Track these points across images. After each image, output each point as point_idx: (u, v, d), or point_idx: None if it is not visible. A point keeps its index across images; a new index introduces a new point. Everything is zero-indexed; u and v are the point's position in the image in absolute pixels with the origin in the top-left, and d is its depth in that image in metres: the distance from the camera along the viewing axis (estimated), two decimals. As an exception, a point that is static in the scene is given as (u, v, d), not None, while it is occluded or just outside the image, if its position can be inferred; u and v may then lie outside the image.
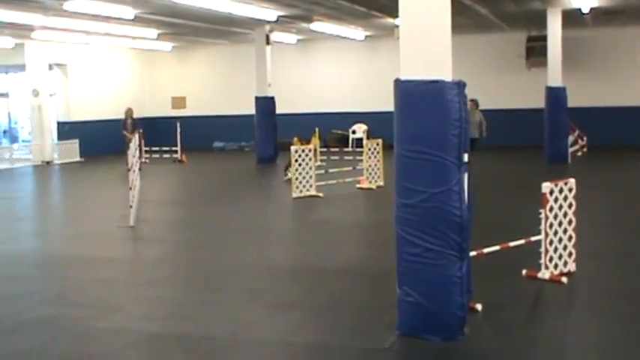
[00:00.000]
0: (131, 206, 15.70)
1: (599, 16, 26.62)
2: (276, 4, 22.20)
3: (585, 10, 24.50)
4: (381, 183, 20.44)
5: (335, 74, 34.63)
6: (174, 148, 31.06)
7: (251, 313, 9.56)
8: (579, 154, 27.41)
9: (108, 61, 34.72)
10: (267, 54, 28.94)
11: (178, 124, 31.01)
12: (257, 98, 29.03)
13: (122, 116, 28.14)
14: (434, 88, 7.93)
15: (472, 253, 8.88)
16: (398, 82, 8.16)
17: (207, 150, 34.42)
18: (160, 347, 8.44)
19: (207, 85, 36.27)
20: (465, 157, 8.01)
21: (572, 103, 26.65)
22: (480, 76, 30.96)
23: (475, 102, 23.24)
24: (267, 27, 28.02)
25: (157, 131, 33.46)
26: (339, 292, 10.41)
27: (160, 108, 36.41)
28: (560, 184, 10.36)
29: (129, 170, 16.09)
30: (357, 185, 20.74)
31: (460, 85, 8.01)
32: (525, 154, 27.16)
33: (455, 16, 8.44)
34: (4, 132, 37.30)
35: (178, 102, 35.93)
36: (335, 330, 8.77)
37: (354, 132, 33.20)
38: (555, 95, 25.82)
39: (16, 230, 16.62)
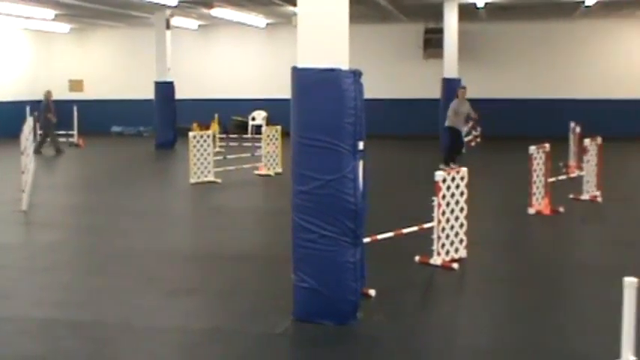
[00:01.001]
0: (24, 190, 15.35)
1: (494, 10, 27.15)
2: (177, -12, 21.99)
3: (480, 5, 24.92)
4: (280, 170, 20.46)
5: (236, 61, 34.40)
6: (70, 132, 30.42)
7: (147, 299, 9.47)
8: (473, 143, 27.88)
9: (1, 43, 33.75)
10: (167, 38, 28.58)
11: (75, 108, 30.39)
12: (156, 83, 28.66)
13: (18, 98, 27.50)
14: (330, 76, 7.95)
15: (366, 240, 8.98)
16: (295, 70, 8.16)
17: (105, 134, 33.84)
18: (52, 334, 8.28)
19: (106, 68, 35.59)
20: (360, 145, 8.06)
21: (467, 94, 27.12)
22: (379, 65, 31.29)
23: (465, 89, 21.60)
24: (168, 11, 27.70)
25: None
26: (236, 278, 10.41)
27: (56, 91, 35.67)
28: (453, 172, 10.54)
29: (22, 154, 15.74)
30: (256, 172, 20.71)
31: (356, 74, 8.05)
32: (422, 144, 27.46)
33: (354, 5, 8.49)
34: None
35: (76, 85, 35.20)
36: (232, 315, 8.76)
37: (253, 119, 33.11)
38: (451, 86, 26.17)
39: None
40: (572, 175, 18.46)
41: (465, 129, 23.02)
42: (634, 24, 31.31)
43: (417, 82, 31.57)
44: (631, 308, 4.49)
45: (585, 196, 16.01)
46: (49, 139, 26.82)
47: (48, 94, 27.60)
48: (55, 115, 26.85)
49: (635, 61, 31.51)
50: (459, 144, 21.32)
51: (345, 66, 8.04)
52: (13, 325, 8.54)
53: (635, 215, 14.91)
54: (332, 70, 7.95)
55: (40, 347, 7.93)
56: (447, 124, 20.78)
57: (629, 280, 4.45)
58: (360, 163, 8.12)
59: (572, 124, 21.27)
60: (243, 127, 33.02)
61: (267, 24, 31.29)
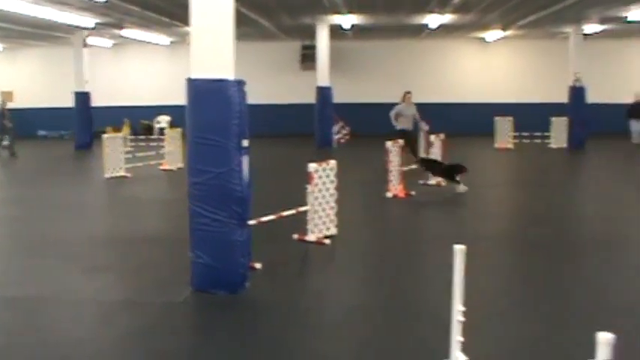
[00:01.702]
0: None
1: (358, 31, 27.43)
2: (92, 13, 21.34)
3: (346, 27, 25.09)
4: (181, 165, 20.15)
5: (144, 73, 33.83)
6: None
7: (69, 276, 9.18)
8: (342, 140, 28.15)
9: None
10: (84, 55, 27.90)
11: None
12: (75, 93, 27.93)
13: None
14: (219, 85, 7.90)
15: (252, 222, 8.92)
16: (189, 81, 8.06)
17: (33, 138, 32.81)
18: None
19: (33, 81, 34.50)
20: (245, 143, 8.02)
21: (337, 99, 27.40)
22: (263, 76, 31.34)
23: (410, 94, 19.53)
24: (85, 32, 26.98)
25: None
26: (145, 257, 10.20)
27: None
28: (324, 164, 10.55)
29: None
30: (160, 167, 20.41)
31: (240, 83, 8.03)
32: (299, 141, 27.56)
33: (242, 26, 8.42)
34: None
35: (6, 95, 33.98)
36: (141, 288, 8.58)
37: (158, 122, 32.60)
38: (323, 93, 26.44)
39: None
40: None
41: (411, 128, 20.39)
42: (466, 43, 32.26)
43: (295, 90, 31.63)
44: (459, 269, 4.57)
45: (432, 182, 16.31)
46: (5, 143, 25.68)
47: (3, 102, 26.53)
48: (10, 121, 25.70)
49: (468, 72, 32.51)
50: (415, 142, 19.11)
51: (231, 77, 7.99)
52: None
53: (469, 194, 15.27)
54: (220, 80, 7.91)
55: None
56: (396, 127, 18.92)
57: (458, 247, 4.52)
58: (245, 158, 8.06)
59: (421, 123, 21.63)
60: (149, 130, 32.51)
61: (171, 42, 30.88)
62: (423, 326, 6.96)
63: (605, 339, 2.97)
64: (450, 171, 15.54)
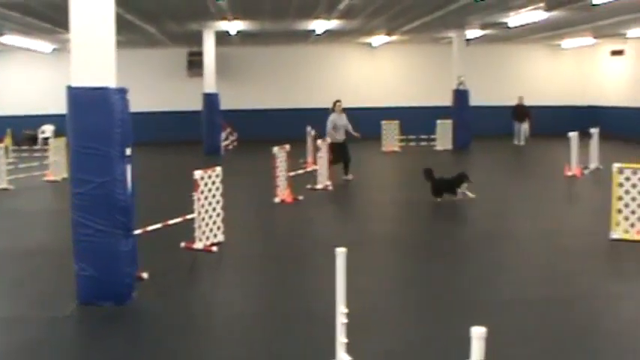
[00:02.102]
0: None
1: (245, 37, 27.44)
2: (-33, 20, 20.63)
3: (233, 32, 25.05)
4: (66, 175, 19.59)
5: (27, 81, 32.73)
6: None
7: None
8: (230, 147, 28.10)
9: None
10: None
11: None
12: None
13: None
14: (100, 94, 7.84)
15: (137, 231, 8.84)
16: (69, 89, 7.94)
17: None
18: None
19: None
20: (128, 151, 7.95)
21: (225, 106, 27.31)
22: (150, 83, 31.01)
23: (340, 102, 18.68)
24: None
25: None
26: (27, 271, 9.93)
27: None
28: (209, 171, 10.54)
29: None
30: (45, 178, 19.85)
31: (122, 91, 7.96)
32: (187, 149, 27.31)
33: (127, 32, 8.35)
34: None
35: None
36: (24, 303, 8.38)
37: (42, 132, 31.65)
38: (210, 100, 26.34)
39: None
40: (309, 169, 19.03)
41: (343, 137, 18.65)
42: (353, 48, 32.77)
43: (183, 97, 31.33)
44: (341, 271, 4.68)
45: (320, 186, 16.51)
46: None
47: None
48: None
49: (355, 77, 33.01)
50: (344, 156, 18.06)
51: (112, 84, 7.92)
52: None
53: (356, 199, 15.57)
54: (102, 88, 7.83)
55: None
56: (328, 140, 17.51)
57: (340, 250, 4.63)
58: (129, 167, 7.99)
59: (309, 128, 21.90)
60: (34, 140, 31.52)
61: (53, 49, 30.06)
62: (311, 328, 7.07)
63: (478, 333, 3.11)
64: (457, 183, 15.16)
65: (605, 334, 6.95)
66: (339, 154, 17.69)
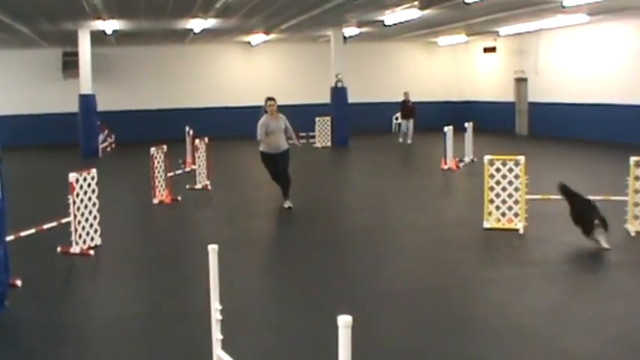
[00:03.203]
0: None
1: (122, 37, 26.97)
2: None
3: (109, 32, 24.55)
4: None
5: None
6: None
7: None
8: (109, 149, 27.59)
9: None
10: None
11: None
12: None
13: None
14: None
15: (9, 237, 8.58)
16: None
17: None
18: None
19: None
20: (-3, 155, 7.71)
21: (102, 107, 26.74)
22: (23, 85, 30.13)
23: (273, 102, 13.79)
24: None
25: None
26: None
27: None
28: (85, 173, 10.33)
29: None
30: None
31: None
32: (63, 152, 26.58)
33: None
34: None
35: None
36: None
37: None
38: (86, 101, 25.71)
39: None
40: (189, 169, 18.92)
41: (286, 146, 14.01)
42: (232, 47, 32.79)
43: (58, 99, 30.45)
44: (214, 268, 4.72)
45: (199, 185, 16.44)
46: None
47: None
48: None
49: (234, 76, 33.02)
50: (279, 174, 13.78)
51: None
52: None
53: (235, 198, 15.60)
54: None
55: None
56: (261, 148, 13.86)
57: (211, 247, 4.67)
58: (-2, 171, 7.74)
59: (187, 128, 21.76)
60: None
61: None
62: (190, 327, 7.05)
63: (344, 321, 3.17)
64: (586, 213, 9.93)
65: (479, 317, 7.23)
66: (272, 169, 13.79)
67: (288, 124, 13.83)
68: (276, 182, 13.91)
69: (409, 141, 28.00)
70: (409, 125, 28.28)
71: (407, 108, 28.46)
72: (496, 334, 6.66)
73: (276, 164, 13.67)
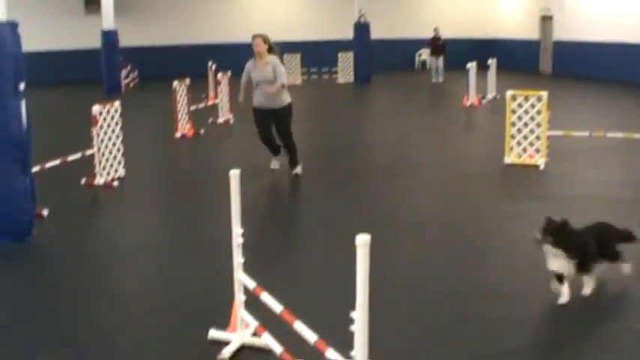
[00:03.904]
0: None
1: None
2: None
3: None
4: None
5: None
6: None
7: None
8: (131, 85, 27.60)
9: None
10: None
11: None
12: None
13: None
14: (-11, 27, 7.56)
15: (35, 168, 8.71)
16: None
17: None
18: None
19: None
20: (21, 86, 7.77)
21: (125, 43, 26.69)
22: (46, 22, 29.97)
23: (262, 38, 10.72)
24: None
25: None
26: None
27: None
28: (108, 106, 10.41)
29: None
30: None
31: (13, 25, 7.73)
32: (86, 88, 26.62)
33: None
34: None
35: None
36: None
37: None
38: (109, 37, 25.62)
39: None
40: (211, 103, 18.97)
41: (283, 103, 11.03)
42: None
43: (80, 35, 30.38)
44: (235, 193, 4.79)
45: (221, 119, 16.50)
46: None
47: None
48: None
49: (255, 10, 32.69)
50: (278, 132, 10.99)
51: (2, 18, 7.66)
52: None
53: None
54: (-10, 22, 7.54)
55: None
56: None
57: (233, 172, 4.74)
58: (23, 102, 7.83)
59: (210, 63, 21.74)
60: None
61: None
62: (212, 255, 7.19)
63: (363, 240, 3.22)
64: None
65: (497, 250, 7.31)
66: (261, 129, 11.03)
67: (280, 70, 10.59)
68: (266, 146, 11.20)
69: (440, 79, 27.27)
70: (439, 63, 27.41)
71: (437, 44, 27.54)
72: (513, 266, 6.74)
73: (267, 124, 10.87)
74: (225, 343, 4.96)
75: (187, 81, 14.92)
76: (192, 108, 15.31)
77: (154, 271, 6.99)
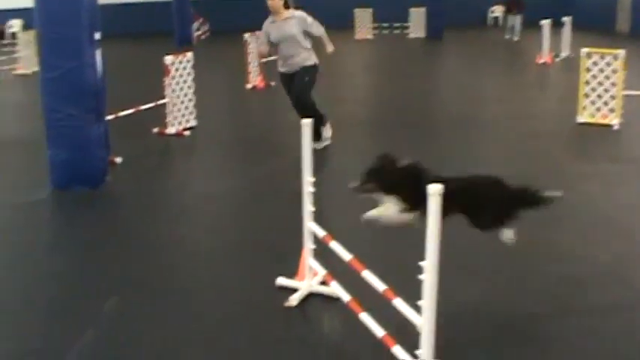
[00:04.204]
0: None
1: None
2: None
3: None
4: (36, 69, 19.41)
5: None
6: None
7: None
8: (203, 37, 27.77)
9: None
10: None
11: None
12: None
13: None
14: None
15: (110, 117, 8.88)
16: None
17: None
18: None
19: None
20: (97, 35, 7.90)
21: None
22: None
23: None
24: None
25: None
26: (2, 160, 9.93)
27: None
28: (180, 56, 10.52)
29: None
30: (15, 72, 19.65)
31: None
32: (158, 40, 26.91)
33: None
34: None
35: None
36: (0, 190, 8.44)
37: (10, 26, 31.05)
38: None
39: None
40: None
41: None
42: None
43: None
44: (308, 141, 4.80)
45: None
46: None
47: None
48: None
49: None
50: (294, 93, 9.46)
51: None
52: None
53: (330, 83, 15.56)
54: (65, -30, 7.64)
55: None
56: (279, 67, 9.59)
57: (305, 121, 4.74)
58: (98, 51, 7.96)
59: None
60: (1, 35, 30.92)
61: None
62: (280, 200, 7.27)
63: (434, 189, 3.22)
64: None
65: (568, 207, 7.19)
66: (290, 94, 9.61)
67: (312, 24, 9.27)
68: (298, 111, 9.54)
69: (515, 38, 26.29)
70: (516, 20, 26.37)
71: (514, 1, 26.56)
72: (584, 224, 6.64)
73: (292, 85, 9.43)
74: (293, 291, 5.04)
75: (258, 33, 14.89)
76: (264, 60, 15.31)
77: (223, 219, 7.10)
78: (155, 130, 10.49)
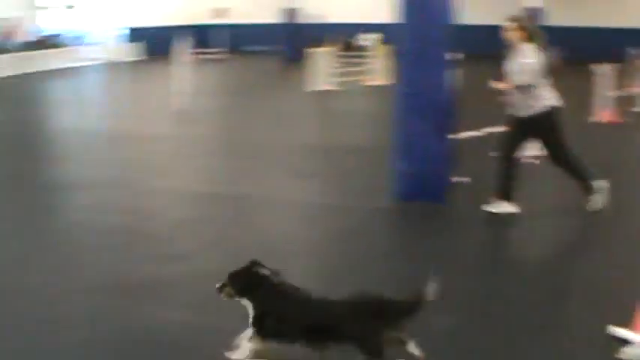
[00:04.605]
0: (178, 94, 15.64)
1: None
2: None
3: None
4: (387, 82, 20.18)
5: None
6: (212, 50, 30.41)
7: (277, 179, 9.80)
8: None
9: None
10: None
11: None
12: (283, 9, 28.75)
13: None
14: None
15: (463, 135, 8.86)
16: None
17: (243, 52, 33.96)
18: (200, 203, 8.66)
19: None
20: (448, 56, 8.02)
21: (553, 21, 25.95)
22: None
23: None
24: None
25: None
26: (348, 166, 10.54)
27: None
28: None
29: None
30: (366, 83, 20.65)
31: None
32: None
33: None
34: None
35: (222, 12, 35.08)
36: (344, 194, 8.93)
37: (365, 40, 32.50)
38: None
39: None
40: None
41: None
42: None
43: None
44: None
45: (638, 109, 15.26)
46: None
47: None
48: None
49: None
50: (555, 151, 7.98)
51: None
52: (169, 195, 8.94)
53: None
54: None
55: (190, 212, 8.25)
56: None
57: None
58: (452, 71, 8.11)
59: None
60: (347, 47, 32.53)
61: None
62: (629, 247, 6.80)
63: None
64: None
65: None
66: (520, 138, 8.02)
67: (521, 63, 7.54)
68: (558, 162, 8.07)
69: None
70: None
71: None
72: None
73: (511, 139, 8.00)
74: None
75: (606, 65, 14.00)
76: (610, 94, 14.22)
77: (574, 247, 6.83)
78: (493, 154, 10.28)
